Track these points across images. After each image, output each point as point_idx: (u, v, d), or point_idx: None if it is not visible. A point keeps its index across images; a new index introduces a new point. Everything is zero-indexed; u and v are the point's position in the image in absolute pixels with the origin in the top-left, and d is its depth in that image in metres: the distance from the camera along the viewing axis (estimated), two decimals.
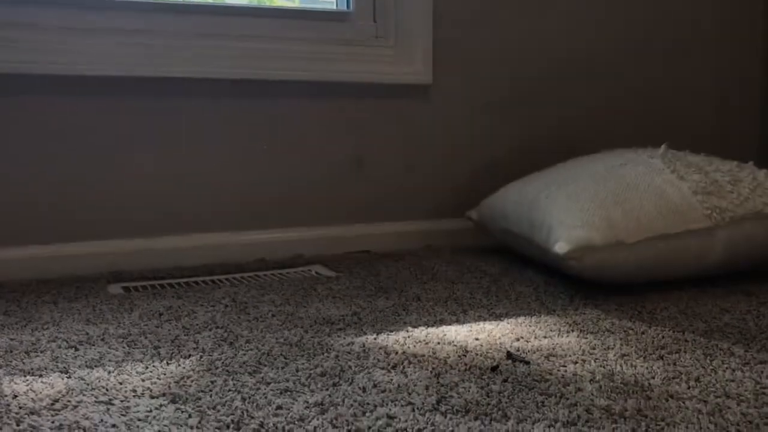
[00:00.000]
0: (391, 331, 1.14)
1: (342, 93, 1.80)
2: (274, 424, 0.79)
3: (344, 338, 1.10)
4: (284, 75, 1.72)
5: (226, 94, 1.69)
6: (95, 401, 0.85)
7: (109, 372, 0.95)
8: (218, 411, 0.83)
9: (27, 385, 0.91)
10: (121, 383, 0.91)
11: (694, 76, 2.22)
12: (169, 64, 1.62)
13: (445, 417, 0.81)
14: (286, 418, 0.81)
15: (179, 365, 0.98)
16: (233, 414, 0.82)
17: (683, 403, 0.85)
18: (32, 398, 0.86)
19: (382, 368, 0.97)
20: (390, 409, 0.83)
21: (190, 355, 1.02)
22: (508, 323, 1.18)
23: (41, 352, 1.04)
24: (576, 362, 0.99)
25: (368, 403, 0.85)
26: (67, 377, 0.93)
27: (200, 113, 1.68)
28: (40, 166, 1.56)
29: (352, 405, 0.84)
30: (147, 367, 0.97)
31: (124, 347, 1.06)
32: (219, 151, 1.70)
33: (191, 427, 0.78)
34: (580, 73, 2.06)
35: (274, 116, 1.74)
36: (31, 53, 1.51)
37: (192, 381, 0.92)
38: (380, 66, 1.82)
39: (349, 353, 1.03)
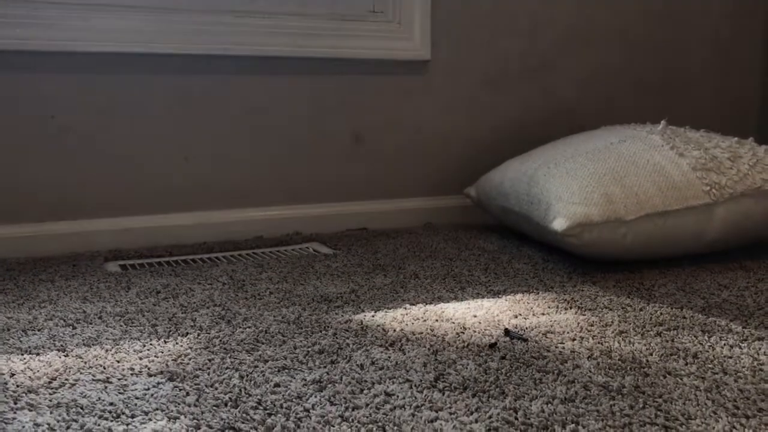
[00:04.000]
0: (389, 309, 1.13)
1: (339, 69, 1.78)
2: (272, 402, 0.79)
3: (342, 316, 1.10)
4: (280, 51, 1.71)
5: (222, 71, 1.68)
6: (93, 379, 0.85)
7: (107, 350, 0.95)
8: (216, 389, 0.83)
9: (24, 364, 0.90)
10: (118, 361, 0.91)
11: (694, 51, 2.20)
12: (165, 40, 1.60)
13: (443, 394, 0.81)
14: (284, 395, 0.81)
15: (177, 343, 0.98)
16: (231, 392, 0.82)
17: (681, 379, 0.85)
18: (30, 377, 0.86)
19: (380, 345, 0.97)
20: (388, 387, 0.83)
21: (187, 333, 1.02)
22: (506, 300, 1.18)
23: (38, 330, 1.04)
24: (574, 339, 0.99)
25: (366, 381, 0.85)
26: (65, 355, 0.93)
27: (197, 90, 1.66)
28: (36, 144, 1.54)
29: (350, 382, 0.84)
30: (144, 345, 0.97)
31: (121, 325, 1.06)
32: (216, 129, 1.69)
33: (189, 405, 0.78)
34: (580, 47, 2.04)
35: (271, 93, 1.73)
36: (22, 29, 1.49)
37: (190, 359, 0.92)
38: (377, 42, 1.80)
39: (347, 331, 1.03)
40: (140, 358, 0.92)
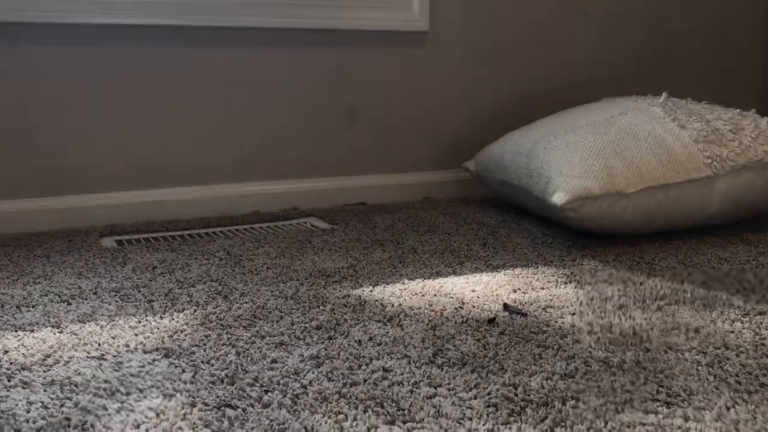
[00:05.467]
0: (388, 284, 1.12)
1: (335, 41, 1.76)
2: (269, 378, 0.78)
3: (340, 291, 1.09)
4: (276, 23, 1.68)
5: (220, 43, 1.65)
6: (87, 356, 0.84)
7: (102, 326, 0.94)
8: (212, 365, 0.82)
9: (18, 341, 0.89)
10: (113, 338, 0.90)
11: (696, 23, 2.17)
12: (162, 12, 1.57)
13: (442, 370, 0.80)
14: (281, 371, 0.80)
15: (173, 319, 0.97)
16: (227, 368, 0.81)
17: (682, 354, 0.85)
18: (23, 353, 0.85)
19: (378, 321, 0.96)
20: (386, 362, 0.82)
21: (183, 309, 1.01)
22: (505, 275, 1.17)
23: (33, 306, 1.03)
24: (574, 314, 0.98)
25: (364, 357, 0.84)
26: (59, 332, 0.92)
27: (194, 63, 1.63)
28: (32, 119, 1.52)
29: (347, 358, 0.83)
30: (140, 322, 0.96)
31: (117, 301, 1.05)
32: (213, 103, 1.67)
33: (185, 382, 0.77)
34: (581, 20, 2.01)
35: (267, 65, 1.70)
36: (23, 1, 1.46)
37: (186, 335, 0.91)
38: (375, 12, 1.77)
39: (345, 306, 1.02)
40: (136, 335, 0.91)
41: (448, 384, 0.77)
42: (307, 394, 0.74)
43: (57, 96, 1.54)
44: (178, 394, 0.74)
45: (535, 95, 1.98)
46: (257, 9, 1.66)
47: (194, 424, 0.68)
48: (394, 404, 0.72)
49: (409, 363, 0.82)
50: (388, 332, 0.92)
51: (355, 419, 0.69)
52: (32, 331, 0.93)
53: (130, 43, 1.57)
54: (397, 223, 1.57)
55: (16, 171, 1.53)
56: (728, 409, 0.71)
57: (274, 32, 1.69)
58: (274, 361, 0.83)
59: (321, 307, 1.01)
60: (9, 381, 0.78)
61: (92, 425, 0.68)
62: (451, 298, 1.05)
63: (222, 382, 0.78)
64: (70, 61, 1.53)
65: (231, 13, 1.63)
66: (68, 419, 0.69)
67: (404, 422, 0.69)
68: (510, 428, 0.68)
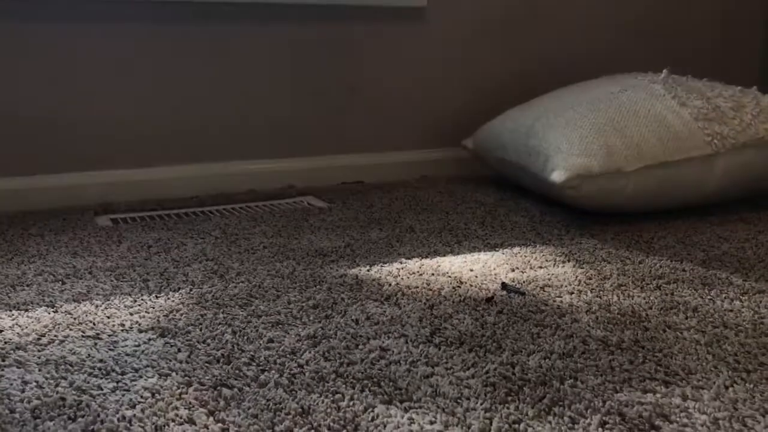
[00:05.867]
0: (385, 263, 1.12)
1: (331, 16, 1.73)
2: (265, 358, 0.78)
3: (337, 270, 1.08)
4: None
5: (213, 18, 1.62)
6: (82, 336, 0.84)
7: (97, 306, 0.94)
8: (208, 345, 0.81)
9: (13, 320, 0.89)
10: (108, 317, 0.90)
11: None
12: None
13: (439, 349, 0.80)
14: (277, 351, 0.79)
15: (168, 298, 0.96)
16: (223, 348, 0.80)
17: (681, 333, 0.84)
18: (18, 333, 0.85)
19: (376, 300, 0.95)
20: (383, 342, 0.82)
21: (179, 288, 1.00)
22: (503, 254, 1.16)
23: (27, 285, 1.02)
24: (572, 293, 0.98)
25: (361, 336, 0.83)
26: (54, 311, 0.92)
27: (188, 39, 1.61)
28: (25, 96, 1.50)
29: (344, 337, 0.83)
30: (135, 301, 0.95)
31: (112, 280, 1.04)
32: (208, 80, 1.65)
33: (180, 362, 0.77)
34: None
35: (263, 41, 1.68)
36: None
37: (181, 314, 0.90)
38: None
39: (342, 285, 1.01)
40: (131, 314, 0.91)
41: (446, 363, 0.76)
42: (304, 374, 0.74)
43: (50, 72, 1.51)
44: (173, 374, 0.74)
45: (535, 72, 1.96)
46: None
47: (190, 403, 0.68)
48: (391, 383, 0.72)
49: (407, 342, 0.82)
50: (385, 311, 0.91)
51: (352, 399, 0.69)
52: (27, 310, 0.92)
53: (124, 18, 1.55)
54: (394, 202, 1.56)
55: (9, 149, 1.51)
56: (727, 387, 0.71)
57: (270, 7, 1.67)
58: (271, 340, 0.82)
59: (318, 287, 1.01)
60: (3, 361, 0.77)
61: (87, 405, 0.68)
62: (449, 277, 1.05)
63: (218, 361, 0.77)
64: (66, 37, 1.51)
65: None
66: (63, 399, 0.69)
67: (401, 401, 0.68)
68: (508, 407, 0.67)
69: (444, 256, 1.15)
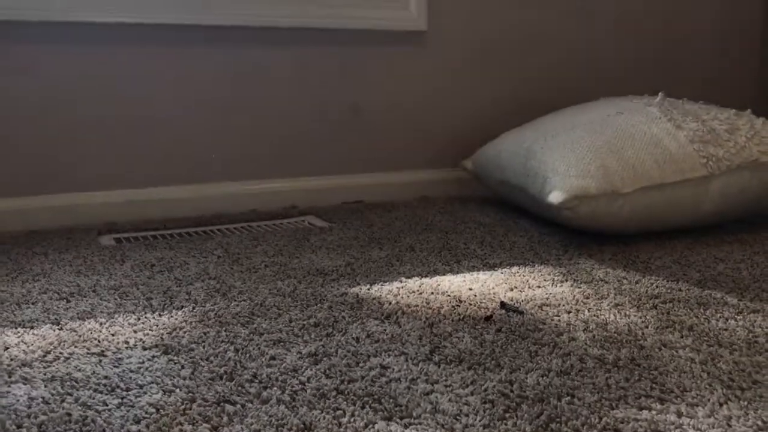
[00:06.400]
0: (385, 282, 1.13)
1: (334, 40, 1.76)
2: (267, 375, 0.79)
3: (338, 289, 1.10)
4: (275, 21, 1.68)
5: (218, 41, 1.65)
6: (87, 353, 0.85)
7: (101, 323, 0.95)
8: (211, 362, 0.82)
9: (18, 337, 0.90)
10: (113, 335, 0.91)
11: (693, 23, 2.18)
12: (162, 11, 1.58)
13: (439, 367, 0.81)
14: (279, 368, 0.81)
15: (171, 316, 0.97)
16: (226, 365, 0.82)
17: (676, 352, 0.85)
18: (24, 350, 0.86)
19: (376, 318, 0.96)
20: (383, 359, 0.83)
21: (182, 307, 1.02)
22: (502, 273, 1.18)
23: (32, 303, 1.03)
24: (570, 312, 0.99)
25: (362, 354, 0.85)
26: (59, 329, 0.93)
27: (192, 61, 1.64)
28: (31, 118, 1.53)
29: (345, 355, 0.84)
30: (139, 319, 0.97)
31: (115, 299, 1.05)
32: (211, 101, 1.67)
33: (184, 378, 0.78)
34: (578, 20, 2.02)
35: (266, 64, 1.71)
36: (12, 0, 1.46)
37: (184, 332, 0.92)
38: (373, 12, 1.77)
39: (343, 303, 1.03)
40: (135, 332, 0.92)
41: (445, 381, 0.78)
42: (306, 391, 0.75)
43: (55, 94, 1.54)
44: (177, 390, 0.75)
45: (533, 94, 1.99)
46: (256, 8, 1.66)
47: (194, 419, 0.69)
48: (391, 400, 0.73)
49: (407, 360, 0.83)
50: (385, 329, 0.92)
51: (352, 415, 0.70)
52: (32, 327, 0.94)
53: (126, 41, 1.58)
54: (394, 221, 1.57)
55: (14, 169, 1.53)
56: (721, 405, 0.72)
57: (272, 32, 1.70)
58: (273, 357, 0.84)
59: (319, 305, 1.02)
60: (10, 377, 0.78)
61: (93, 420, 0.69)
62: (449, 296, 1.06)
63: (221, 378, 0.78)
64: (67, 58, 1.54)
65: (229, 12, 1.64)
66: (69, 414, 0.70)
67: (401, 418, 0.70)
68: (506, 424, 0.68)
69: (444, 275, 1.17)
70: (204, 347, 0.87)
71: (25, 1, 1.47)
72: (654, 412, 0.71)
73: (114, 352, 0.85)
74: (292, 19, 1.69)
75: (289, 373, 0.80)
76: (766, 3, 2.27)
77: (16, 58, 1.50)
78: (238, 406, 0.72)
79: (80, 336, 0.90)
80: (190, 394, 0.74)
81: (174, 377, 0.78)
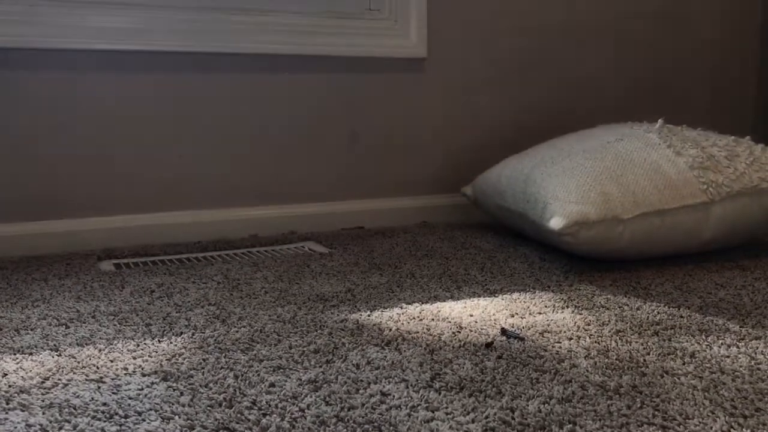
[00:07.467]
0: (385, 308, 1.13)
1: (335, 67, 1.78)
2: (267, 402, 0.78)
3: (338, 315, 1.09)
4: (276, 49, 1.70)
5: (218, 68, 1.67)
6: (86, 379, 0.85)
7: (100, 350, 0.94)
8: (210, 389, 0.82)
9: (17, 363, 0.90)
10: (112, 361, 0.90)
11: (691, 50, 2.20)
12: (162, 38, 1.59)
13: (439, 394, 0.80)
14: (279, 395, 0.80)
15: (171, 343, 0.97)
16: (225, 392, 0.81)
17: (678, 379, 0.85)
18: (22, 376, 0.85)
19: (376, 345, 0.96)
20: (384, 386, 0.82)
21: (182, 333, 1.01)
22: (502, 299, 1.18)
23: (31, 329, 1.03)
24: (571, 338, 0.99)
25: (362, 380, 0.84)
26: (58, 355, 0.92)
27: (192, 88, 1.65)
28: (31, 143, 1.53)
29: (345, 382, 0.84)
30: (138, 345, 0.96)
31: (115, 325, 1.05)
32: (210, 127, 1.68)
33: (183, 405, 0.77)
34: (576, 46, 2.03)
35: (266, 91, 1.72)
36: (22, 27, 1.48)
37: (184, 358, 0.91)
38: (374, 39, 1.79)
39: (343, 330, 1.02)
40: (134, 358, 0.91)
41: (446, 408, 0.77)
42: (305, 418, 0.75)
43: (55, 120, 1.55)
44: (176, 417, 0.74)
45: (533, 121, 2.00)
46: (256, 35, 1.68)
47: None
48: (391, 428, 0.72)
49: (407, 387, 0.82)
50: (385, 356, 0.92)
51: None
52: (31, 354, 0.93)
53: (126, 68, 1.59)
54: (394, 247, 1.57)
55: (14, 194, 1.53)
56: None
57: (272, 58, 1.71)
58: (272, 384, 0.83)
59: (319, 331, 1.02)
60: (8, 404, 0.78)
61: None
62: (449, 322, 1.06)
63: (220, 405, 0.78)
64: (69, 85, 1.55)
65: (229, 39, 1.65)
66: None
67: None
68: None
69: (444, 301, 1.17)
70: (203, 374, 0.86)
71: (26, 28, 1.48)
72: None
73: (113, 379, 0.85)
74: (293, 47, 1.71)
75: (289, 399, 0.79)
76: (762, 29, 2.29)
77: (14, 83, 1.51)
78: None
79: (79, 362, 0.90)
80: (189, 421, 0.74)
81: (173, 404, 0.78)
